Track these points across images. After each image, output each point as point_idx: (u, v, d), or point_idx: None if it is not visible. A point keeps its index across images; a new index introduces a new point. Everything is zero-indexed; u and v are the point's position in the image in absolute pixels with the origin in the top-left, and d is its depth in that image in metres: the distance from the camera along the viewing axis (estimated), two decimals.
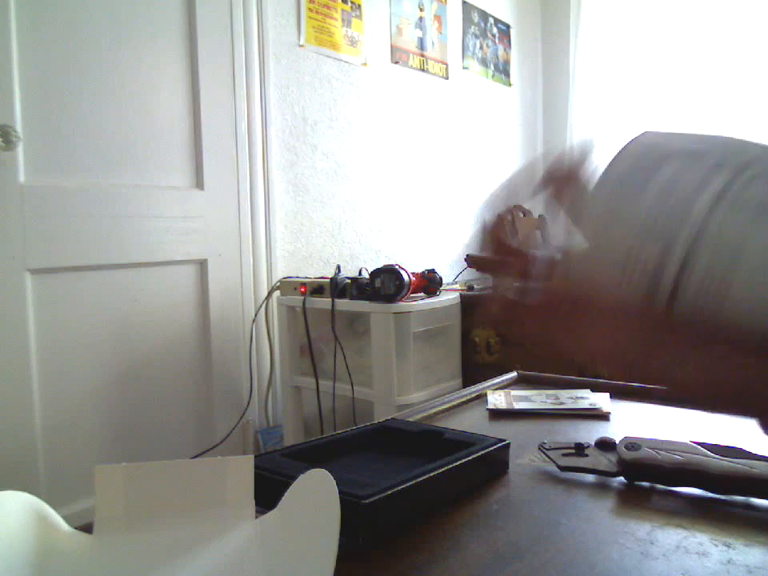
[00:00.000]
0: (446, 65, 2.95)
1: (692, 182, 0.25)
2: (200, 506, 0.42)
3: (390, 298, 1.64)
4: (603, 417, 0.72)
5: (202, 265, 1.95)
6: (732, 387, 0.25)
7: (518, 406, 0.75)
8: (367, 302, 1.68)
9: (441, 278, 1.82)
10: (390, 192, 2.65)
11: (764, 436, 0.26)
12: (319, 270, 2.32)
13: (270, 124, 2.13)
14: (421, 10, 2.78)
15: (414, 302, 1.68)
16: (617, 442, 0.53)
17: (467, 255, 1.87)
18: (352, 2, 2.41)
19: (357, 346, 1.79)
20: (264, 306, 2.04)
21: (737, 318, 0.23)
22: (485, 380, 0.87)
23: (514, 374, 0.91)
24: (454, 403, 0.78)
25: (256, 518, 0.42)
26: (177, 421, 1.89)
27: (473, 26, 3.14)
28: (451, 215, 3.02)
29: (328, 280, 1.77)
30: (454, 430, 0.60)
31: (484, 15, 3.23)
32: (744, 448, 0.50)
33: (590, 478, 0.53)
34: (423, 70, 2.81)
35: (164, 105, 1.84)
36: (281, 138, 2.18)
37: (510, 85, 3.47)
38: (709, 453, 0.49)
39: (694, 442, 0.51)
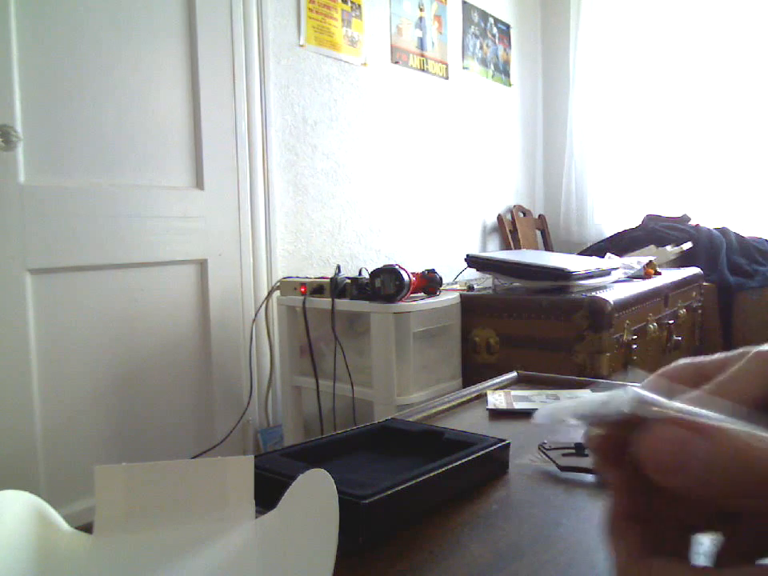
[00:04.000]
0: (446, 65, 2.95)
1: None
2: (200, 506, 0.42)
3: (390, 298, 1.63)
4: None
5: (202, 265, 1.95)
6: None
7: (518, 405, 0.75)
8: (367, 302, 1.68)
9: (441, 278, 1.82)
10: (390, 192, 2.65)
11: None
12: (319, 270, 2.32)
13: (269, 124, 2.13)
14: (421, 10, 2.78)
15: (414, 302, 1.68)
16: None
17: (467, 255, 1.85)
18: (352, 2, 2.41)
19: (357, 346, 1.79)
20: (264, 305, 2.04)
21: None
22: (485, 380, 0.87)
23: (514, 374, 0.91)
24: (454, 403, 0.78)
25: (256, 518, 0.42)
26: (177, 421, 1.89)
27: (473, 26, 3.14)
28: (451, 215, 3.02)
29: (328, 280, 1.77)
30: (453, 429, 0.59)
31: (484, 15, 3.23)
32: None
33: (590, 477, 0.53)
34: (423, 70, 2.81)
35: (164, 105, 1.84)
36: (281, 137, 2.18)
37: (510, 85, 3.47)
38: None
39: None
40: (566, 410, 0.24)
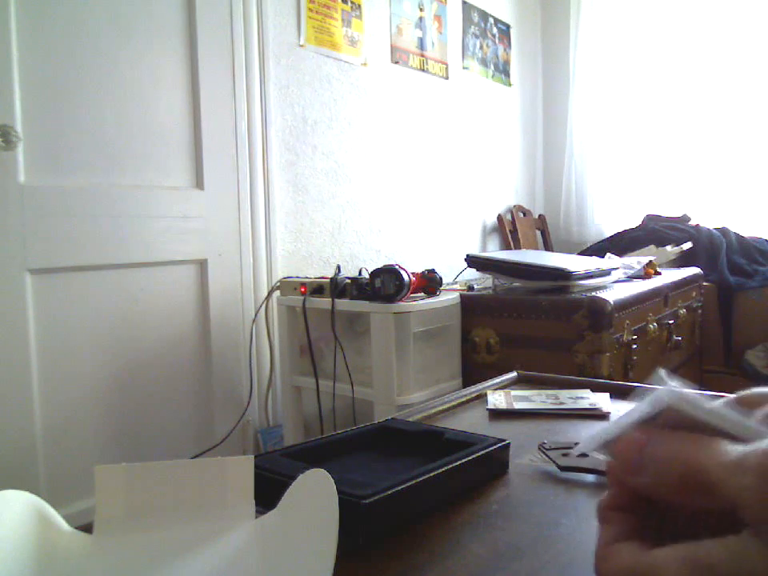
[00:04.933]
0: (446, 65, 2.95)
1: None
2: (200, 506, 0.42)
3: (390, 298, 1.63)
4: (603, 417, 0.72)
5: (202, 265, 1.96)
6: None
7: (518, 405, 0.75)
8: (367, 301, 1.68)
9: (441, 278, 1.81)
10: (390, 192, 2.65)
11: None
12: (319, 270, 2.32)
13: (269, 124, 2.13)
14: (421, 10, 2.78)
15: (414, 302, 1.68)
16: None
17: (467, 255, 1.85)
18: (352, 2, 2.41)
19: (357, 346, 1.79)
20: (264, 306, 2.04)
21: None
22: (485, 380, 0.87)
23: (514, 374, 0.91)
24: (454, 403, 0.78)
25: (256, 518, 0.42)
26: (177, 421, 1.89)
27: (473, 26, 3.14)
28: (451, 215, 3.02)
29: (328, 280, 1.77)
30: (453, 429, 0.59)
31: (484, 15, 3.23)
32: None
33: (590, 477, 0.53)
34: (423, 70, 2.81)
35: (164, 105, 1.84)
36: (281, 137, 2.18)
37: (510, 85, 3.47)
38: None
39: None
40: (601, 435, 0.26)
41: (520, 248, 3.26)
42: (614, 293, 1.82)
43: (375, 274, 1.66)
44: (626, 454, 0.24)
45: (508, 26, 3.44)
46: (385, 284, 1.64)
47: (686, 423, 0.23)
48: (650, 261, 2.35)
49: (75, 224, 1.64)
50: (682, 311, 2.34)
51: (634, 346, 1.83)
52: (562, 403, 0.76)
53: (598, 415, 0.72)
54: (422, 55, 2.79)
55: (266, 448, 2.09)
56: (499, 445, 0.54)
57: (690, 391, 0.23)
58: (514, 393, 0.81)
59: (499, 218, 3.30)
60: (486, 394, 0.80)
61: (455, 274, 2.44)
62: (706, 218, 3.14)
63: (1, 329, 1.52)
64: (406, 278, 1.63)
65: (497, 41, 3.34)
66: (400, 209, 2.71)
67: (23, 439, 1.56)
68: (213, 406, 1.99)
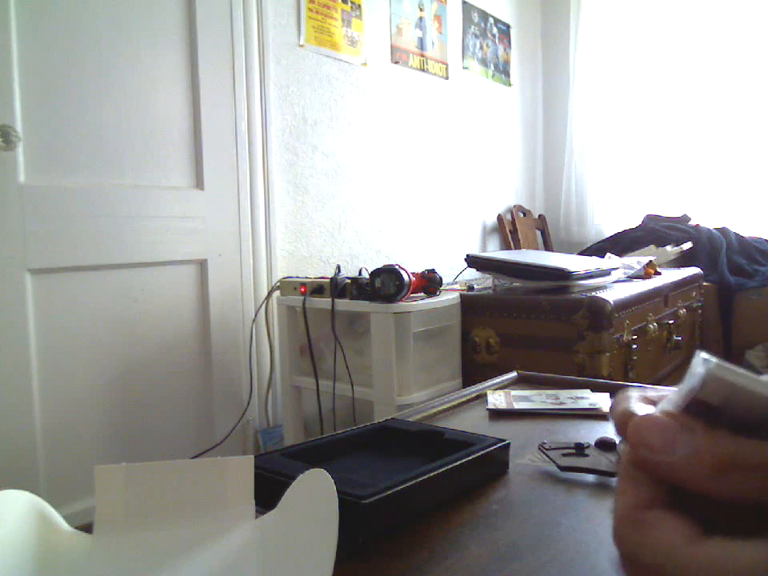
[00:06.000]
0: (446, 65, 2.95)
1: None
2: (200, 506, 0.42)
3: (390, 298, 1.63)
4: (603, 417, 0.72)
5: (202, 265, 1.95)
6: None
7: (518, 405, 0.75)
8: (367, 301, 1.68)
9: (441, 278, 1.81)
10: (390, 192, 2.65)
11: None
12: (319, 270, 2.32)
13: (269, 124, 2.13)
14: (421, 10, 2.78)
15: (414, 302, 1.68)
16: (617, 442, 0.53)
17: (467, 255, 1.85)
18: (352, 2, 2.41)
19: (357, 346, 1.79)
20: (264, 306, 2.04)
21: None
22: (485, 380, 0.87)
23: (514, 374, 0.91)
24: (454, 403, 0.78)
25: (256, 518, 0.42)
26: (177, 421, 1.89)
27: (473, 26, 3.14)
28: (451, 215, 3.02)
29: (328, 280, 1.77)
30: (453, 429, 0.59)
31: (484, 15, 3.23)
32: None
33: (590, 477, 0.53)
34: (423, 70, 2.81)
35: (164, 105, 1.84)
36: (281, 138, 2.18)
37: (510, 85, 3.47)
38: None
39: None
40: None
41: (520, 248, 3.26)
42: (614, 293, 1.82)
43: (375, 273, 1.66)
44: (653, 427, 0.21)
45: (508, 26, 3.44)
46: (385, 284, 1.64)
47: (730, 394, 0.20)
48: (650, 261, 2.35)
49: (75, 224, 1.64)
50: (682, 311, 2.33)
51: (634, 346, 1.83)
52: (562, 403, 0.76)
53: (598, 415, 0.72)
54: (422, 55, 2.79)
55: (265, 448, 2.09)
56: (499, 445, 0.54)
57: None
58: (514, 393, 0.81)
59: (499, 218, 3.30)
60: (486, 394, 0.80)
61: (455, 274, 2.44)
62: (706, 217, 3.14)
63: (1, 329, 1.52)
64: (405, 278, 1.63)
65: (497, 41, 3.34)
66: (400, 209, 2.71)
67: (23, 439, 1.56)
68: (213, 406, 1.99)
